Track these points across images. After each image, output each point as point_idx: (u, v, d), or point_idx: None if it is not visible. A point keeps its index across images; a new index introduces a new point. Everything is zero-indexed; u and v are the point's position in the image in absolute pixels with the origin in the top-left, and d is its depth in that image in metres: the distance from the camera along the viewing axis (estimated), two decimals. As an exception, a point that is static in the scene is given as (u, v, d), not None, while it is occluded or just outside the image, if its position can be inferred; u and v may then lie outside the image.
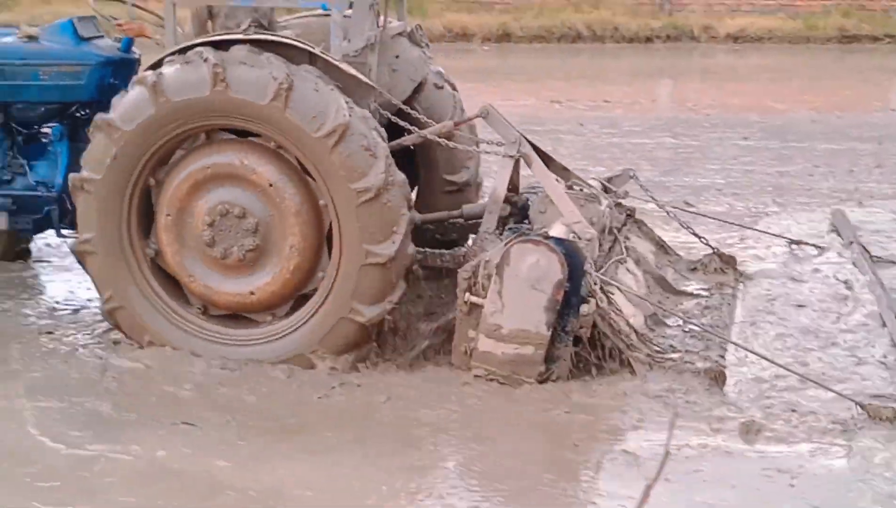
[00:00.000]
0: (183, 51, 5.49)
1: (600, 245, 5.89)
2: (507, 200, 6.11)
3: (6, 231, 6.71)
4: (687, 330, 5.89)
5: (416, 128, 6.01)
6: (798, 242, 7.41)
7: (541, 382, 5.35)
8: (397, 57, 6.55)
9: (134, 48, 6.57)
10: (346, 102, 5.40)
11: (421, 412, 5.18)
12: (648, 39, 19.87)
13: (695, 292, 6.51)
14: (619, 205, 6.68)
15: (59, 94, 6.36)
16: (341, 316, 5.54)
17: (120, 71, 6.37)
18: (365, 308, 5.49)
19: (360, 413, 5.20)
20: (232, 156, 5.56)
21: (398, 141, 5.97)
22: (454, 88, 6.82)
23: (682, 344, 5.74)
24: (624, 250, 6.23)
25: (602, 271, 5.67)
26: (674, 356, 5.55)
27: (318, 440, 4.95)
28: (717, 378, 5.38)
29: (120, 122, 5.49)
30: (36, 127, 6.56)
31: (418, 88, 6.59)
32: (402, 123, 5.99)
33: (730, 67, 18.28)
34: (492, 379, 5.40)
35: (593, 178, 6.77)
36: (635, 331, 5.58)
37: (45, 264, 7.44)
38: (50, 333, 6.14)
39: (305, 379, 5.50)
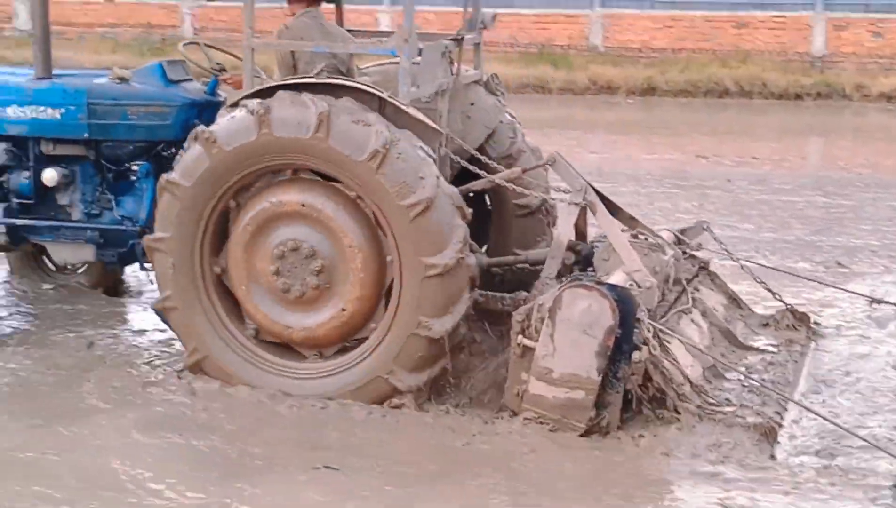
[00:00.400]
0: (255, 94, 5.75)
1: (662, 295, 5.94)
2: (572, 248, 6.20)
3: (97, 263, 7.07)
4: (746, 384, 5.84)
5: (487, 173, 6.22)
6: (879, 301, 7.24)
7: (589, 429, 5.36)
8: (472, 104, 6.74)
9: (219, 90, 6.80)
10: (437, 175, 5.61)
11: (565, 465, 5.17)
12: (798, 96, 19.43)
13: (762, 347, 6.45)
14: (692, 257, 6.68)
15: (146, 134, 6.66)
16: (411, 333, 5.64)
17: (205, 112, 6.61)
18: (432, 321, 5.59)
19: (503, 462, 5.20)
20: (297, 194, 5.76)
21: (466, 186, 6.17)
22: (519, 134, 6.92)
23: (739, 398, 5.67)
24: (690, 301, 6.25)
25: (662, 320, 5.69)
26: (726, 409, 5.50)
27: (464, 489, 4.96)
28: (768, 434, 5.32)
29: (181, 179, 5.78)
30: (124, 164, 6.84)
31: (492, 135, 6.75)
32: (473, 169, 6.21)
33: (883, 127, 17.73)
34: (541, 422, 5.42)
35: (666, 229, 6.80)
36: (690, 382, 5.56)
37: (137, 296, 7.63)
38: (156, 366, 6.31)
39: (447, 423, 5.57)
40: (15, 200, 6.87)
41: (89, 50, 20.96)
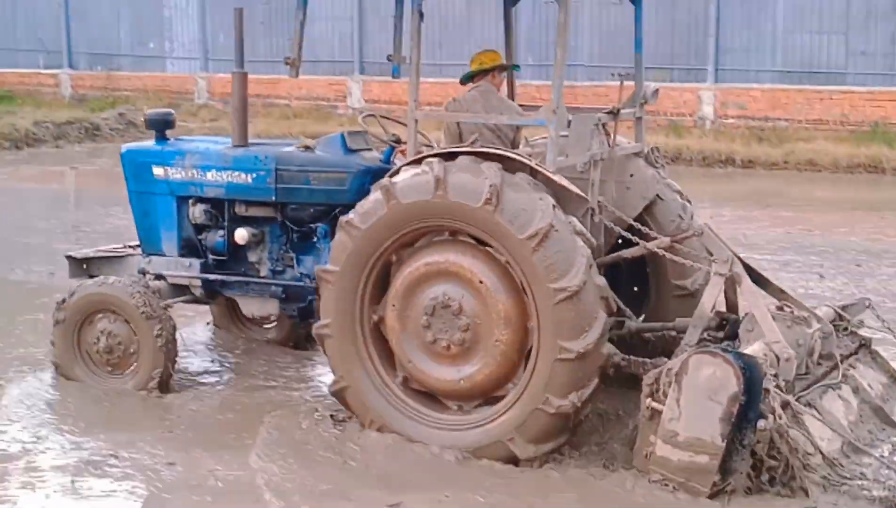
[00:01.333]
0: (416, 162, 6.16)
1: (806, 367, 6.02)
2: (720, 318, 6.38)
3: (287, 319, 7.78)
4: (887, 462, 5.78)
5: (643, 241, 6.46)
6: None
7: (714, 494, 5.43)
8: (631, 176, 6.97)
9: (395, 159, 7.15)
10: (554, 207, 5.83)
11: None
12: None
13: None
14: (852, 333, 6.71)
15: (325, 197, 7.10)
16: (536, 406, 5.90)
17: (379, 178, 6.79)
18: (557, 400, 5.84)
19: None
20: (455, 255, 6.11)
21: (617, 253, 6.57)
22: (685, 202, 7.13)
23: (876, 475, 5.62)
24: (840, 376, 6.22)
25: (804, 392, 5.79)
26: (852, 482, 5.48)
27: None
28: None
29: (358, 222, 6.18)
30: (306, 225, 7.28)
31: (652, 206, 6.95)
32: (630, 237, 6.47)
33: None
34: (667, 484, 5.54)
35: (826, 305, 6.88)
36: (821, 453, 5.57)
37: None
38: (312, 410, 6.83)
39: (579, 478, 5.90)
40: (211, 257, 7.53)
41: (270, 119, 22.05)
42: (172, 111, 8.09)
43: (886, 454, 5.87)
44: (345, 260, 6.26)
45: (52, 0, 26.28)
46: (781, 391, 5.52)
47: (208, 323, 8.58)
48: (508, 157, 6.04)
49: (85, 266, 7.88)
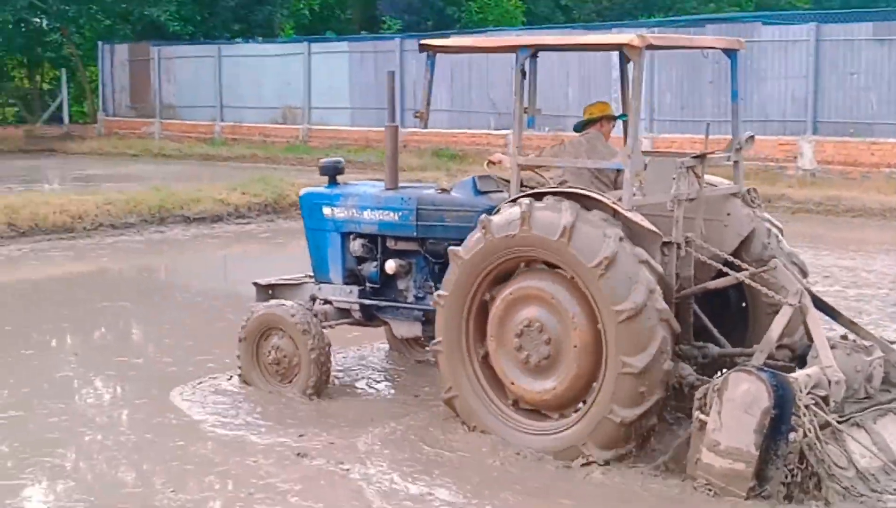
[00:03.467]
0: (514, 201, 7.14)
1: (866, 392, 6.73)
2: (790, 346, 7.20)
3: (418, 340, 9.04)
4: None
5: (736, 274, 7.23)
6: None
7: (748, 497, 6.17)
8: (728, 214, 7.72)
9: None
10: (620, 239, 6.69)
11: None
12: None
13: None
14: None
15: (457, 233, 7.87)
16: (604, 416, 6.77)
17: None
18: (622, 410, 6.68)
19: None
20: (539, 281, 7.10)
21: (704, 284, 7.37)
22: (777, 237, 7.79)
23: None
24: None
25: (856, 413, 6.54)
26: (879, 495, 6.10)
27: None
28: None
29: (463, 253, 7.28)
30: (443, 258, 8.00)
31: (747, 241, 7.66)
32: (721, 267, 7.33)
33: None
34: (710, 488, 6.30)
35: None
36: (856, 468, 6.22)
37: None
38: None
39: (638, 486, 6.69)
40: (368, 285, 8.75)
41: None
42: (342, 159, 9.34)
43: None
44: (453, 286, 7.39)
45: (505, 64, 27.20)
46: (823, 409, 6.20)
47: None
48: (587, 196, 6.93)
49: (270, 292, 9.20)
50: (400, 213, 8.40)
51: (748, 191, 7.87)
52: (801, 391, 6.12)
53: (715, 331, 7.51)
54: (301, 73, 31.43)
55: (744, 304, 7.87)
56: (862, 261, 15.02)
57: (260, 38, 35.18)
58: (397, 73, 29.21)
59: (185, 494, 6.78)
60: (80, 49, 39.04)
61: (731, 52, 8.00)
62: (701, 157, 7.46)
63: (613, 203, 6.86)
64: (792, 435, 6.05)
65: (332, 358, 8.59)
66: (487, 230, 7.11)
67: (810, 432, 6.03)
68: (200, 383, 9.02)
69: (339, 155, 29.16)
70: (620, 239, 6.69)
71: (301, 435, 7.72)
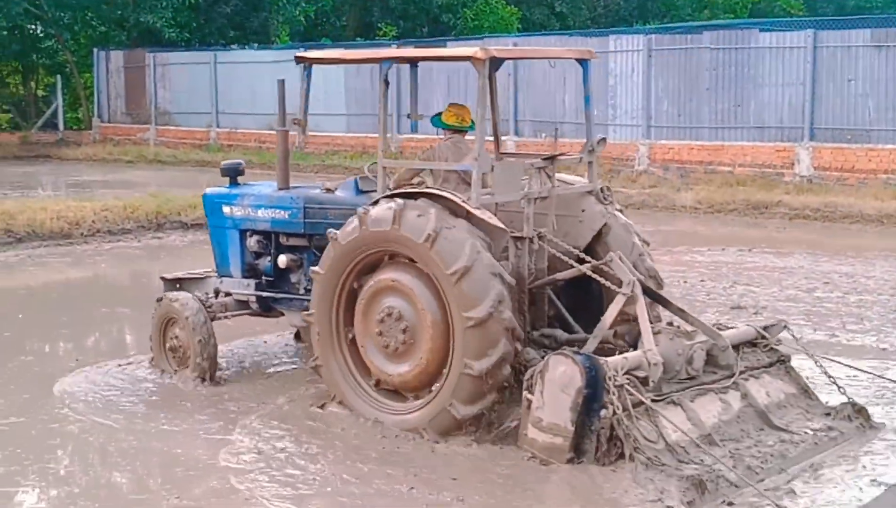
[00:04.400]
0: (387, 198, 7.76)
1: (688, 373, 7.44)
2: (624, 333, 7.94)
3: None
4: (733, 453, 6.98)
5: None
6: None
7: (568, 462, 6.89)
8: (583, 211, 8.32)
9: None
10: (478, 251, 7.29)
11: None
12: None
13: (792, 430, 7.47)
14: (772, 350, 8.05)
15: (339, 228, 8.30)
16: (461, 373, 7.39)
17: None
18: (474, 362, 7.31)
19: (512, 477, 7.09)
20: (402, 274, 7.69)
21: (553, 276, 8.08)
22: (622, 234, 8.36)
23: (715, 461, 6.75)
24: (732, 383, 7.59)
25: (675, 392, 7.25)
26: (676, 464, 6.69)
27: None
28: (698, 486, 6.44)
29: (340, 237, 7.88)
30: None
31: (600, 234, 8.26)
32: (568, 260, 7.98)
33: None
34: (534, 459, 7.00)
35: (748, 325, 8.51)
36: (665, 441, 6.85)
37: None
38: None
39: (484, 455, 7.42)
40: (264, 278, 9.44)
41: (712, 186, 21.90)
42: (242, 161, 10.09)
43: (743, 447, 7.12)
44: (328, 265, 8.01)
45: (501, 71, 27.13)
46: (637, 389, 6.92)
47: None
48: (440, 195, 7.60)
49: (178, 285, 9.86)
50: (289, 211, 9.08)
51: (601, 189, 8.38)
52: (614, 372, 6.81)
53: (570, 319, 8.23)
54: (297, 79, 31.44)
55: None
56: (861, 268, 15.00)
57: (255, 45, 35.14)
58: (393, 80, 29.28)
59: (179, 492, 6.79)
60: (75, 55, 38.97)
61: (582, 62, 8.53)
62: (551, 159, 8.09)
63: (463, 201, 7.49)
64: (603, 412, 6.75)
65: (216, 347, 9.21)
66: (363, 222, 7.71)
67: (619, 409, 6.69)
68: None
69: (334, 161, 29.35)
70: (479, 251, 7.29)
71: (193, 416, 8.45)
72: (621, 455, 6.76)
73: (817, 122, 22.60)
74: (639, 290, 7.57)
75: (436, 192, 7.67)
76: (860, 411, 7.77)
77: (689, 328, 7.71)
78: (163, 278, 10.10)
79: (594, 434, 6.81)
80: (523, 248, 7.88)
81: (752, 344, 8.08)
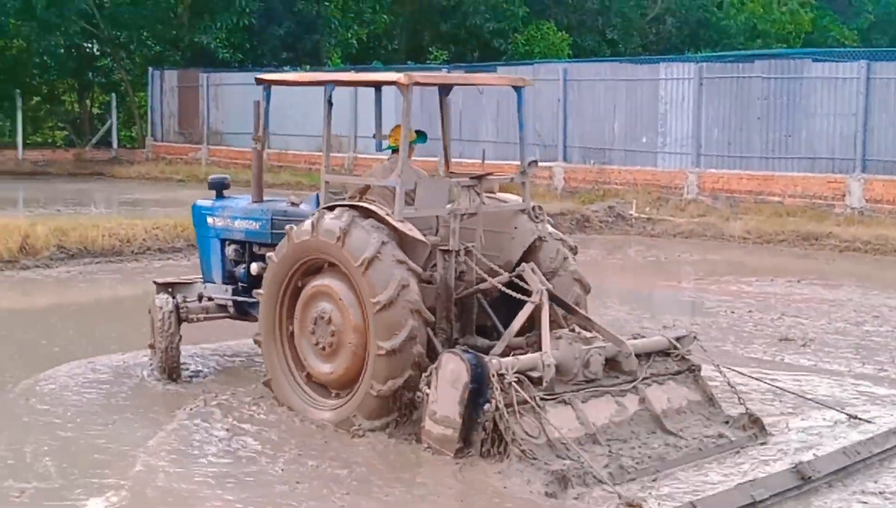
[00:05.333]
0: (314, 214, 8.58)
1: (585, 375, 7.94)
2: (529, 337, 8.41)
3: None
4: (613, 452, 7.54)
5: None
6: (856, 417, 8.68)
7: (456, 456, 7.50)
8: (515, 228, 8.93)
9: None
10: (383, 243, 8.01)
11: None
12: None
13: (682, 435, 7.97)
14: (682, 359, 8.53)
15: None
16: (375, 354, 8.07)
17: None
18: (383, 342, 7.99)
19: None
20: (330, 280, 8.45)
21: (476, 287, 8.61)
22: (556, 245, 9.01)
23: (590, 460, 7.27)
24: (632, 387, 8.11)
25: (566, 391, 7.77)
26: (553, 458, 7.23)
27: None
28: (560, 480, 6.96)
29: (275, 254, 8.83)
30: None
31: (531, 250, 8.85)
32: (483, 275, 8.62)
33: None
34: (430, 450, 7.66)
35: (661, 335, 8.93)
36: (547, 437, 7.38)
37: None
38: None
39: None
40: (240, 284, 10.12)
41: (761, 215, 22.07)
42: (228, 176, 10.94)
43: (626, 448, 7.66)
44: (268, 283, 8.86)
45: (551, 96, 27.23)
46: (526, 387, 7.50)
47: None
48: (366, 208, 8.28)
49: (170, 289, 10.42)
50: (259, 223, 9.86)
51: (533, 208, 8.94)
52: (505, 370, 7.44)
53: (501, 328, 8.68)
54: (348, 101, 31.59)
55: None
56: (912, 302, 14.83)
57: (307, 67, 35.44)
58: (481, 103, 29.35)
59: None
60: (130, 74, 39.52)
61: (517, 89, 9.20)
62: (479, 178, 8.75)
63: (387, 214, 8.21)
64: (486, 406, 7.32)
65: (178, 349, 9.96)
66: (290, 237, 8.61)
67: (500, 404, 7.26)
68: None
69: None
70: (383, 242, 8.03)
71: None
72: (505, 447, 7.29)
73: (869, 154, 22.39)
74: (546, 299, 8.19)
75: (364, 205, 8.33)
76: (755, 421, 8.26)
77: (587, 334, 8.14)
78: (155, 282, 10.73)
79: (480, 427, 7.37)
80: (450, 260, 8.49)
81: (665, 353, 8.52)
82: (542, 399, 7.55)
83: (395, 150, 9.08)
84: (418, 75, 8.50)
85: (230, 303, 10.17)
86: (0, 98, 38.73)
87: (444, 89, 9.55)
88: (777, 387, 9.47)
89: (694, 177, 24.46)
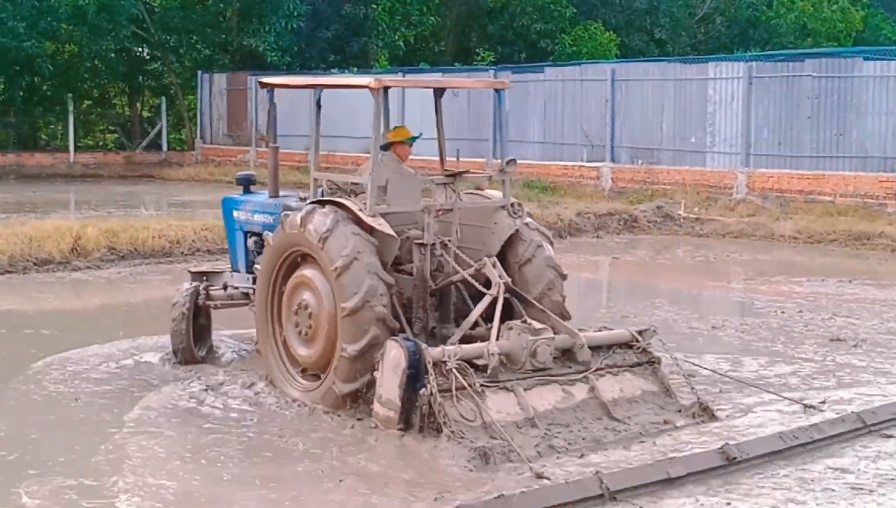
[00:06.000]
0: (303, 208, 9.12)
1: (532, 366, 8.39)
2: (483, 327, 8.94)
3: None
4: (548, 437, 7.99)
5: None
6: (813, 406, 8.97)
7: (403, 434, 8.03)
8: (495, 223, 9.40)
9: None
10: (359, 252, 8.52)
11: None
12: None
13: (627, 422, 8.37)
14: (644, 351, 8.92)
15: None
16: (340, 355, 8.61)
17: None
18: (347, 346, 8.53)
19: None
20: (312, 271, 8.99)
21: (449, 279, 9.14)
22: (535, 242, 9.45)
23: (523, 440, 7.82)
24: (582, 377, 8.55)
25: (511, 379, 8.28)
26: (487, 440, 7.72)
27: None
28: (482, 456, 7.51)
29: (270, 239, 9.45)
30: None
31: (509, 244, 9.34)
32: (456, 267, 9.17)
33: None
34: (375, 428, 8.22)
35: (624, 328, 9.26)
36: (483, 420, 7.90)
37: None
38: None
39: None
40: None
41: (811, 215, 21.80)
42: (255, 173, 11.44)
43: (565, 431, 8.09)
44: (265, 261, 9.53)
45: (599, 96, 27.13)
46: (466, 373, 8.05)
47: None
48: (343, 204, 8.87)
49: (204, 277, 11.10)
50: (273, 216, 10.20)
51: (512, 204, 9.40)
52: (446, 358, 7.99)
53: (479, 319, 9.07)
54: (395, 103, 31.70)
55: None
56: (966, 302, 14.60)
57: (355, 69, 35.59)
58: (490, 104, 29.46)
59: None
60: (179, 78, 39.91)
61: (498, 91, 9.82)
62: (454, 176, 9.38)
63: (359, 209, 8.75)
64: (422, 390, 7.85)
65: (186, 334, 10.55)
66: (283, 226, 9.15)
67: (434, 389, 7.79)
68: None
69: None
70: (359, 252, 8.51)
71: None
72: (440, 428, 7.81)
73: (922, 152, 22.11)
74: (502, 292, 8.73)
75: (340, 201, 8.92)
76: (705, 409, 8.61)
77: (537, 325, 8.53)
78: (189, 271, 11.48)
79: (417, 409, 7.90)
80: (426, 254, 9.00)
81: (627, 345, 8.91)
82: (482, 385, 8.07)
83: (385, 148, 9.56)
84: (387, 80, 9.16)
85: (251, 292, 10.51)
86: (52, 102, 39.31)
87: (438, 92, 10.24)
88: (732, 378, 9.88)
89: (743, 176, 24.25)
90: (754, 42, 42.42)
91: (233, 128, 37.55)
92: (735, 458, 7.56)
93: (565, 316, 9.20)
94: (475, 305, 9.08)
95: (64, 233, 17.29)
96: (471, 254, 9.22)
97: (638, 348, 8.87)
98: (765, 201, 23.57)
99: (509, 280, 8.90)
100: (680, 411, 8.63)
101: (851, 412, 8.66)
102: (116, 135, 41.25)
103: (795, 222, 21.50)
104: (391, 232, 8.76)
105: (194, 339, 10.69)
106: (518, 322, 8.57)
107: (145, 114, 42.42)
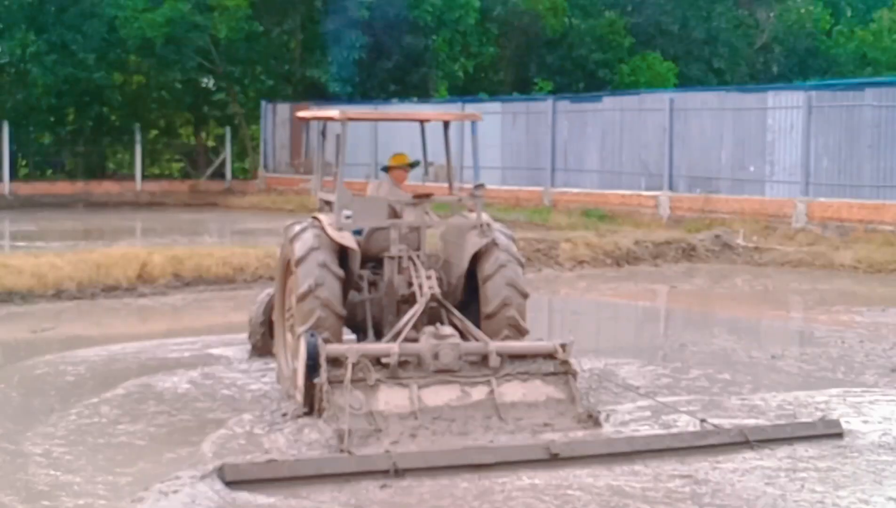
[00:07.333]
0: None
1: (439, 368, 9.23)
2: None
3: None
4: (420, 427, 8.89)
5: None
6: (704, 420, 9.39)
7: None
8: (466, 241, 10.32)
9: None
10: (311, 249, 9.79)
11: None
12: None
13: (513, 424, 9.06)
14: (564, 362, 9.48)
15: None
16: (297, 335, 9.69)
17: None
18: (299, 326, 9.72)
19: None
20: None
21: (411, 289, 10.13)
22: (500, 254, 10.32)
23: (394, 430, 8.82)
24: (483, 379, 9.30)
25: (412, 377, 9.17)
26: (367, 427, 8.75)
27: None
28: (339, 436, 8.44)
29: (279, 254, 10.82)
30: None
31: (476, 259, 10.25)
32: (416, 275, 10.21)
33: None
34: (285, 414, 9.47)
35: (556, 343, 9.69)
36: (370, 410, 8.88)
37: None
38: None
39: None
40: None
41: (872, 245, 21.95)
42: None
43: (443, 426, 8.93)
44: (277, 272, 10.95)
45: (657, 125, 27.22)
46: (365, 368, 9.00)
47: None
48: (317, 218, 10.19)
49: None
50: None
51: (482, 224, 10.36)
52: (348, 354, 8.93)
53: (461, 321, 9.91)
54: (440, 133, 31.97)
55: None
56: None
57: (415, 99, 35.97)
58: (548, 133, 29.72)
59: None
60: (243, 108, 40.57)
61: (472, 122, 11.13)
62: (424, 197, 10.49)
63: (328, 224, 9.93)
64: (317, 380, 8.87)
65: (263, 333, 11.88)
66: (285, 235, 10.30)
67: (324, 379, 8.79)
68: None
69: (489, 213, 29.54)
70: (312, 248, 9.74)
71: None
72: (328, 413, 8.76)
73: None
74: (426, 300, 9.74)
75: (316, 216, 10.27)
76: (590, 416, 9.23)
77: (445, 331, 9.44)
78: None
79: (316, 396, 8.90)
80: (394, 265, 10.18)
81: (550, 356, 9.49)
82: (378, 380, 9.03)
83: (385, 170, 11.24)
84: (352, 112, 10.78)
85: None
86: (120, 132, 40.17)
87: (445, 124, 11.26)
88: (640, 393, 10.54)
89: (803, 205, 24.18)
90: (813, 71, 42.22)
91: (295, 158, 38.06)
92: (557, 454, 8.31)
93: (521, 330, 10.12)
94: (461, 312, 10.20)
95: (131, 260, 17.69)
96: (452, 267, 10.39)
97: (559, 360, 9.47)
98: (824, 230, 23.47)
99: (438, 291, 9.94)
100: (575, 418, 9.26)
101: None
102: (182, 164, 42.03)
103: (855, 251, 21.39)
104: (352, 245, 9.97)
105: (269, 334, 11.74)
106: (431, 327, 9.52)
107: (210, 143, 43.16)
